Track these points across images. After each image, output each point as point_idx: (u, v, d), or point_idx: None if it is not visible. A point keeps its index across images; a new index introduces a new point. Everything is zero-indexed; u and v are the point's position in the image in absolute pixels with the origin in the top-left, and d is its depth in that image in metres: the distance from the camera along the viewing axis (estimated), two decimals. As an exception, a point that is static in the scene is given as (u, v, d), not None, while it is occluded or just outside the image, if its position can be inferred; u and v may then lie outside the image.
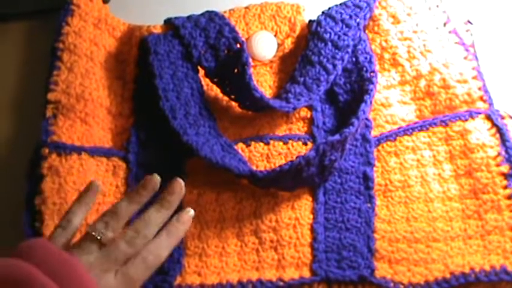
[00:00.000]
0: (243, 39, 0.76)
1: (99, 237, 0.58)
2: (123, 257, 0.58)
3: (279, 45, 0.79)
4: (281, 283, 0.65)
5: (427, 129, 0.72)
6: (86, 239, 0.58)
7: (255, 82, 0.71)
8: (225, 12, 0.79)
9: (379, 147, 0.72)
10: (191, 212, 0.63)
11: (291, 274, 0.66)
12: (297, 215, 0.68)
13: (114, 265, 0.57)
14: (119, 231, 0.60)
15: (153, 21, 0.79)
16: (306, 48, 0.76)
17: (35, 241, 0.56)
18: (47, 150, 0.70)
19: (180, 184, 0.63)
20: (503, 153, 0.69)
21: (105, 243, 0.58)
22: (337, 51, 0.74)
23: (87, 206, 0.61)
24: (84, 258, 0.57)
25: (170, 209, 0.62)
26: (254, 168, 0.70)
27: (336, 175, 0.70)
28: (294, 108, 0.72)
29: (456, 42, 0.76)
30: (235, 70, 0.72)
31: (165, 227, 0.61)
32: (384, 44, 0.77)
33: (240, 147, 0.72)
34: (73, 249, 0.58)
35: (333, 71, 0.74)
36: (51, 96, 0.73)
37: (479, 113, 0.71)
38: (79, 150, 0.71)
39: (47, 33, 0.80)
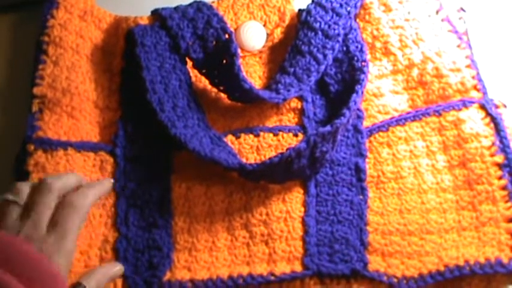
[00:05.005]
0: (232, 29, 0.75)
1: (16, 200, 0.59)
2: (47, 208, 0.58)
3: (268, 35, 0.78)
4: (272, 277, 0.64)
5: (420, 119, 0.71)
6: (3, 206, 0.59)
7: (244, 73, 0.70)
8: (213, 2, 0.78)
9: (371, 138, 0.71)
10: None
11: (283, 268, 0.65)
12: (288, 208, 0.67)
13: (42, 218, 0.57)
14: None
15: (140, 12, 0.78)
16: (296, 38, 0.75)
17: None
18: (32, 147, 0.69)
19: None
20: (497, 143, 0.68)
21: (22, 204, 0.59)
22: (327, 40, 0.73)
23: None
24: (10, 223, 0.57)
25: None
26: (244, 160, 0.69)
27: (327, 167, 0.69)
28: (284, 100, 0.71)
29: (449, 30, 0.75)
30: (224, 61, 0.71)
31: None
32: (375, 32, 0.76)
33: (229, 139, 0.71)
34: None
35: (324, 61, 0.73)
36: (36, 90, 0.73)
37: (473, 102, 0.70)
38: (65, 145, 0.70)
39: (33, 25, 0.79)
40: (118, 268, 0.64)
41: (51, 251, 0.55)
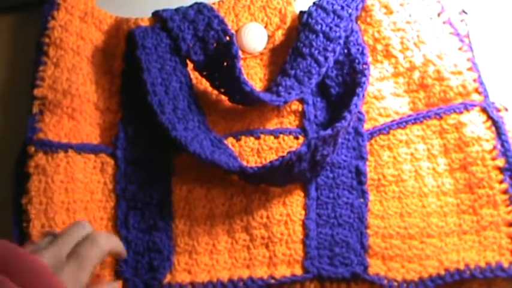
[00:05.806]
0: (233, 31, 0.75)
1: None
2: (73, 238, 0.58)
3: (269, 37, 0.78)
4: (272, 281, 0.64)
5: (421, 122, 0.71)
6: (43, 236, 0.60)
7: (244, 75, 0.70)
8: (214, 3, 0.78)
9: (372, 141, 0.71)
10: None
11: (283, 271, 0.65)
12: (289, 211, 0.67)
13: (65, 247, 0.57)
14: None
15: (141, 13, 0.77)
16: (297, 40, 0.74)
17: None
18: (33, 149, 0.69)
19: None
20: (498, 146, 0.68)
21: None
22: (328, 43, 0.73)
23: None
24: (36, 248, 0.57)
25: None
26: (244, 163, 0.69)
27: (328, 170, 0.69)
28: (285, 102, 0.71)
29: (450, 33, 0.74)
30: (225, 63, 0.71)
31: None
32: (376, 35, 0.75)
33: (230, 142, 0.71)
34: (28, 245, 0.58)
35: (325, 64, 0.72)
36: (37, 92, 0.72)
37: (474, 106, 0.70)
38: (66, 147, 0.70)
39: (33, 27, 0.78)
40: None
41: (67, 279, 0.55)
